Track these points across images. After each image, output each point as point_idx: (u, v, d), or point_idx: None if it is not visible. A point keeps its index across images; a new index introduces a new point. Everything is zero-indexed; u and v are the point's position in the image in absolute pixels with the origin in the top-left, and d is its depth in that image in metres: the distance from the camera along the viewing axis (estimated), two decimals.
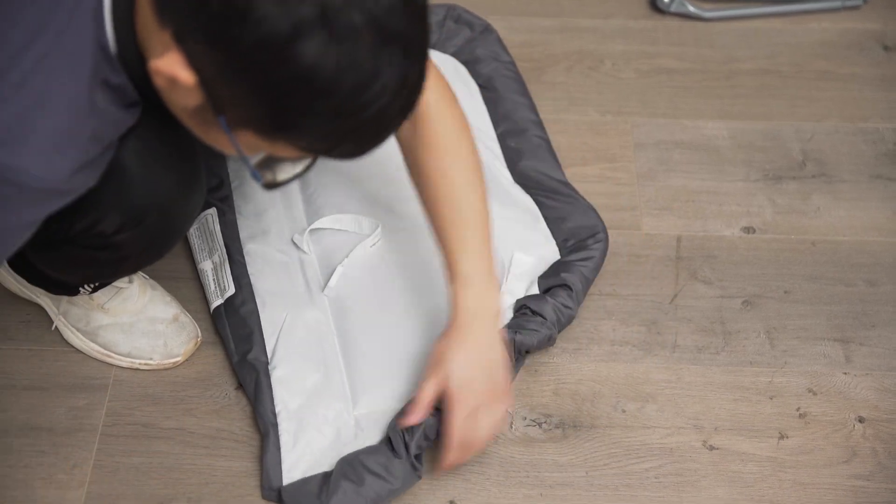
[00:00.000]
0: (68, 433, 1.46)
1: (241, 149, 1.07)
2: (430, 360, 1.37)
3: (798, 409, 1.51)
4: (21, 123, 1.03)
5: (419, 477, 1.39)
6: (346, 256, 1.57)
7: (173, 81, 1.02)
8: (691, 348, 1.57)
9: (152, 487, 1.41)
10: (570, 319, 1.54)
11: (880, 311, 1.62)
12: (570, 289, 1.53)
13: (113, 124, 1.13)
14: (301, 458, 1.40)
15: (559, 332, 1.53)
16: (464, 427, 1.34)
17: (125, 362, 1.51)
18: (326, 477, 1.38)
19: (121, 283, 1.51)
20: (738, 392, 1.52)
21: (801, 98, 1.92)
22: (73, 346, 1.53)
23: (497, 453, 1.45)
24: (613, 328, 1.59)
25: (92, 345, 1.51)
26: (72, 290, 1.49)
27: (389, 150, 1.69)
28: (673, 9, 2.04)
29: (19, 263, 1.48)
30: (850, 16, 2.06)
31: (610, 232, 1.69)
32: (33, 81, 1.04)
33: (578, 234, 1.62)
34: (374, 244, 1.59)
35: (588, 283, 1.57)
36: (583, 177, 1.77)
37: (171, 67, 1.01)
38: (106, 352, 1.51)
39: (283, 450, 1.40)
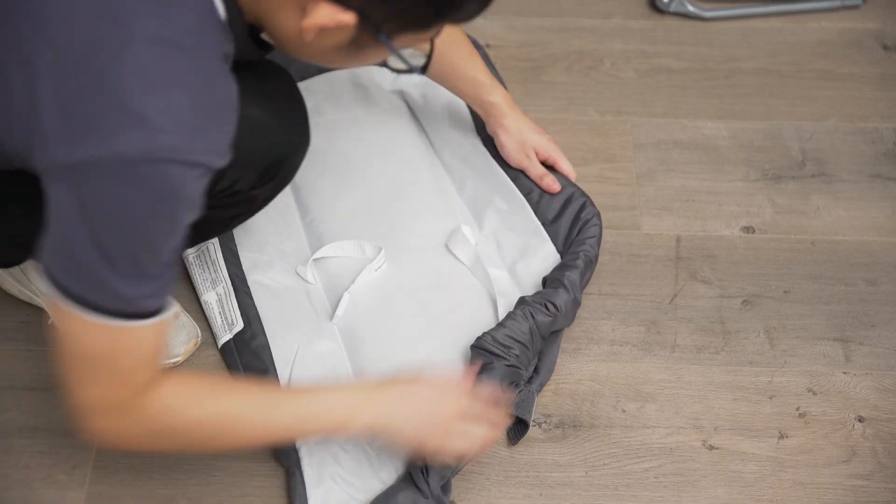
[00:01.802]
0: (68, 434, 1.45)
1: (401, 55, 1.13)
2: (512, 149, 1.66)
3: (798, 409, 1.51)
4: (184, 108, 1.03)
5: None
6: (352, 283, 1.55)
7: (329, 28, 1.07)
8: (691, 348, 1.57)
9: (152, 488, 1.41)
10: (566, 308, 1.50)
11: (880, 310, 1.62)
12: (558, 285, 1.52)
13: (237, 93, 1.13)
14: (328, 494, 1.37)
15: (560, 325, 1.51)
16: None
17: None
18: None
19: None
20: (737, 392, 1.52)
21: (801, 97, 1.92)
22: None
23: (497, 453, 1.45)
24: (613, 328, 1.59)
25: None
26: None
27: (388, 170, 1.69)
28: (672, 8, 2.04)
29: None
30: (850, 15, 2.06)
31: (610, 232, 1.70)
32: (184, 63, 1.04)
33: (572, 232, 1.61)
34: (378, 268, 1.57)
35: (582, 272, 1.55)
36: (582, 177, 1.77)
37: (331, 17, 1.05)
38: None
39: (308, 485, 1.38)
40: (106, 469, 1.43)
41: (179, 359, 1.51)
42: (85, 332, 1.11)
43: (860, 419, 1.50)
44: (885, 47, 2.00)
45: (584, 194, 1.65)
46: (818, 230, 1.72)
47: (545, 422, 1.49)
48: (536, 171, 1.67)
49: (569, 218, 1.62)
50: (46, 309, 1.54)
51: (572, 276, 1.52)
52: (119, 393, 1.16)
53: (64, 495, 1.40)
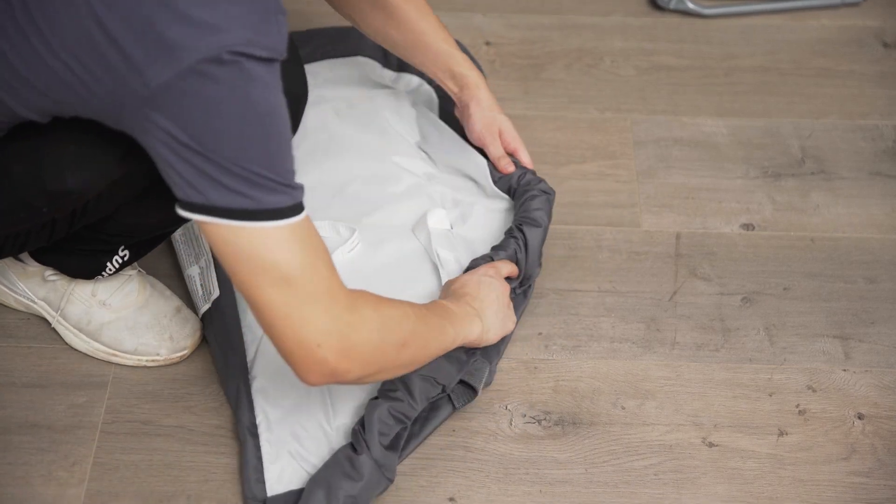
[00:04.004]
0: (68, 430, 1.46)
1: None
2: (480, 122, 1.63)
3: (797, 406, 1.51)
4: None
5: (387, 477, 1.37)
6: None
7: None
8: (691, 345, 1.57)
9: (152, 485, 1.41)
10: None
11: (880, 307, 1.62)
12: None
13: None
14: (284, 470, 1.38)
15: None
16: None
17: (132, 360, 1.50)
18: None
19: (121, 277, 1.51)
20: (737, 389, 1.52)
21: (800, 95, 1.92)
22: (78, 351, 1.52)
23: (496, 450, 1.45)
24: (613, 325, 1.59)
25: (96, 345, 1.50)
26: (94, 271, 1.48)
27: (371, 152, 1.69)
28: (672, 6, 2.04)
29: (46, 237, 1.40)
30: (850, 12, 2.06)
31: (609, 229, 1.70)
32: None
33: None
34: (352, 249, 1.58)
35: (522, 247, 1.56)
36: (582, 174, 1.77)
37: None
38: (112, 351, 1.50)
39: (265, 460, 1.39)
40: (105, 466, 1.42)
41: (186, 352, 1.51)
42: (282, 246, 1.14)
43: (860, 416, 1.50)
44: (885, 45, 2.00)
45: (540, 179, 1.65)
46: (818, 227, 1.72)
47: (545, 419, 1.49)
48: (497, 150, 1.64)
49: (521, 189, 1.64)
50: (45, 314, 1.54)
51: (507, 252, 1.54)
52: (338, 300, 1.19)
53: (63, 492, 1.40)
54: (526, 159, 1.65)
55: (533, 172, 1.64)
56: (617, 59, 1.97)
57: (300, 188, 1.16)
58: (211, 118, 1.09)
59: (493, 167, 1.65)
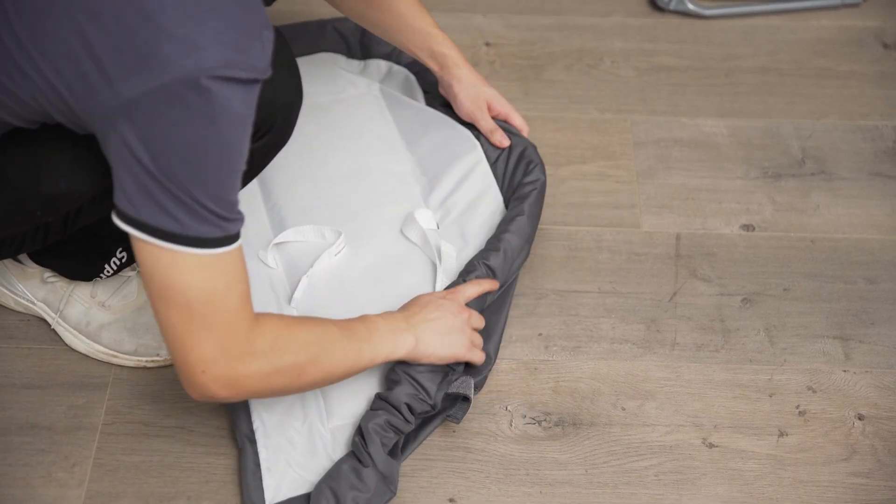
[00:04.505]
0: (68, 431, 1.46)
1: None
2: (466, 99, 1.66)
3: (798, 407, 1.51)
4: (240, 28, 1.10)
5: (391, 489, 1.38)
6: (311, 266, 1.55)
7: None
8: (691, 346, 1.57)
9: (152, 486, 1.41)
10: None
11: (880, 308, 1.62)
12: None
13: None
14: (283, 478, 1.39)
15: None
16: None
17: (131, 361, 1.50)
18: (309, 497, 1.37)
19: (120, 278, 1.51)
20: (737, 390, 1.52)
21: (801, 95, 1.92)
22: (77, 352, 1.52)
23: (496, 451, 1.45)
24: (613, 326, 1.59)
25: (96, 346, 1.51)
26: (92, 273, 1.48)
27: (351, 155, 1.69)
28: (672, 6, 2.04)
29: (41, 240, 1.41)
30: (850, 13, 2.06)
31: (609, 230, 1.70)
32: None
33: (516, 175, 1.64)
34: (338, 252, 1.57)
35: (509, 253, 1.56)
36: (582, 175, 1.77)
37: None
38: (111, 352, 1.50)
39: (262, 466, 1.39)
40: (106, 467, 1.43)
41: None
42: (193, 272, 1.15)
43: (860, 417, 1.50)
44: (885, 45, 2.00)
45: (535, 149, 1.66)
46: (818, 228, 1.72)
47: (545, 420, 1.49)
48: (487, 124, 1.66)
49: (512, 162, 1.64)
50: (45, 315, 1.54)
51: (495, 259, 1.54)
52: (235, 333, 1.20)
53: (64, 493, 1.40)
54: (519, 122, 1.68)
55: (533, 147, 1.65)
56: (617, 60, 1.97)
57: (238, 220, 1.17)
58: (170, 140, 1.09)
59: (488, 144, 1.66)
